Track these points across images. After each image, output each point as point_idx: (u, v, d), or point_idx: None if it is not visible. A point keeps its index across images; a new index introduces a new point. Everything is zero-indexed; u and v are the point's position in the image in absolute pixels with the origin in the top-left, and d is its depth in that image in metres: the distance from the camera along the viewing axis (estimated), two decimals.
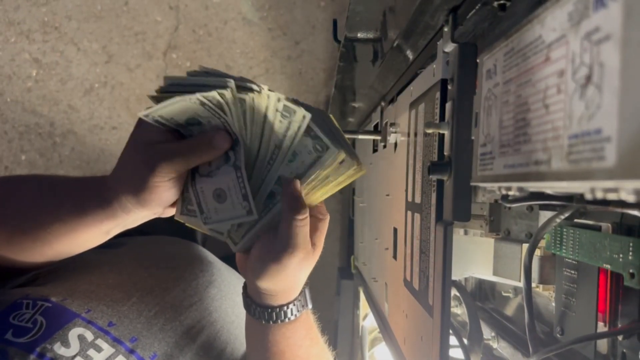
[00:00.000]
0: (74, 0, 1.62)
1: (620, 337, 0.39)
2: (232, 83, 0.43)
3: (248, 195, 0.47)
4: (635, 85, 0.19)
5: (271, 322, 0.50)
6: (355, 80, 0.86)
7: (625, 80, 0.20)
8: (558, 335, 0.47)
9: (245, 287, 0.53)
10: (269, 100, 0.45)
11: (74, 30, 1.63)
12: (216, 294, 0.64)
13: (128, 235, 0.61)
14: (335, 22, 0.91)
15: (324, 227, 0.49)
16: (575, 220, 0.44)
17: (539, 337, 0.49)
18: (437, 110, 0.46)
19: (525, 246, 0.48)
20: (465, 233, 0.62)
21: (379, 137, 0.71)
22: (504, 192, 0.33)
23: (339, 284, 1.40)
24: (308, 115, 0.45)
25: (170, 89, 0.45)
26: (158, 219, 0.52)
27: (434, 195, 0.46)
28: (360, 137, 0.72)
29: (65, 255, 0.54)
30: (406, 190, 0.59)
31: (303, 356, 0.53)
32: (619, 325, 0.40)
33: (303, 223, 0.46)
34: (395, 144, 0.67)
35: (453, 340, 0.47)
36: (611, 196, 0.21)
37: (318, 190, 0.48)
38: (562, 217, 0.42)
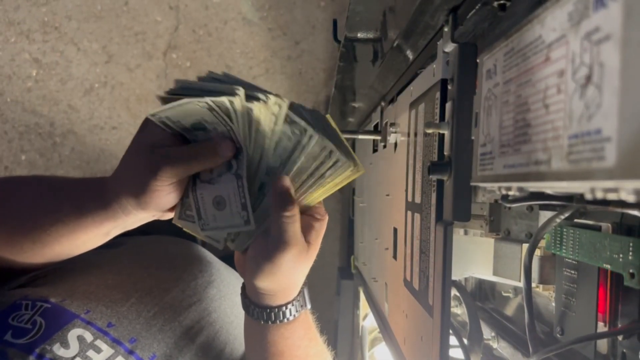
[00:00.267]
0: (74, 0, 1.62)
1: (620, 337, 0.39)
2: (241, 92, 0.43)
3: (247, 205, 0.47)
4: (635, 85, 0.19)
5: (270, 323, 0.50)
6: (355, 80, 0.86)
7: (625, 80, 0.20)
8: (558, 335, 0.47)
9: (243, 288, 0.53)
10: (275, 111, 0.45)
11: (74, 30, 1.63)
12: (215, 294, 0.64)
13: (128, 235, 0.61)
14: (335, 22, 0.91)
15: (321, 227, 0.49)
16: (575, 220, 0.44)
17: (539, 337, 0.49)
18: (437, 110, 0.46)
19: (525, 246, 0.48)
20: (465, 233, 0.62)
21: (379, 137, 0.71)
22: (504, 192, 0.33)
23: (339, 284, 1.40)
24: (315, 136, 0.45)
25: (180, 91, 0.45)
26: (158, 219, 0.52)
27: (434, 195, 0.46)
28: (360, 137, 0.72)
29: (64, 257, 0.54)
30: (406, 190, 0.59)
31: (302, 356, 0.53)
32: (619, 325, 0.40)
33: (291, 219, 0.46)
34: (395, 144, 0.67)
35: (453, 340, 0.47)
36: (611, 196, 0.21)
37: (315, 191, 0.48)
38: (562, 217, 0.42)
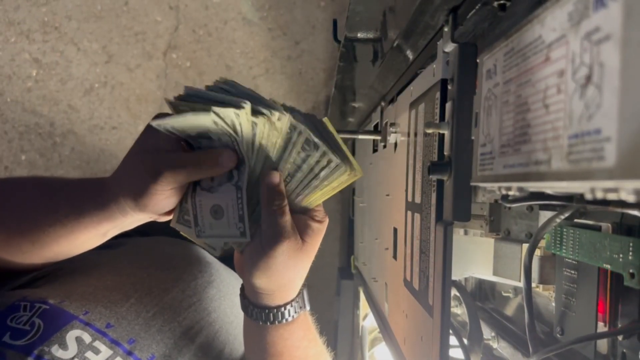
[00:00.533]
0: (74, 0, 1.62)
1: (620, 337, 0.39)
2: (248, 106, 0.44)
3: (245, 217, 0.47)
4: (635, 85, 0.19)
5: (268, 323, 0.50)
6: (355, 80, 0.86)
7: (625, 80, 0.20)
8: (558, 335, 0.47)
9: (242, 289, 0.53)
10: (279, 127, 0.45)
11: (74, 30, 1.63)
12: (215, 294, 0.64)
13: (126, 236, 0.61)
14: (335, 22, 0.91)
15: (320, 229, 0.49)
16: (575, 220, 0.44)
17: (539, 337, 0.49)
18: (437, 110, 0.46)
19: (525, 246, 0.48)
20: (465, 233, 0.62)
21: (379, 137, 0.71)
22: (504, 192, 0.33)
23: (339, 284, 1.40)
24: (321, 146, 0.45)
25: (188, 99, 0.46)
26: (155, 221, 0.52)
27: (434, 195, 0.46)
28: (360, 137, 0.72)
29: (63, 257, 0.54)
30: (406, 190, 0.59)
31: (301, 357, 0.53)
32: (619, 325, 0.40)
33: (280, 211, 0.46)
34: (395, 144, 0.67)
35: (453, 340, 0.47)
36: (611, 196, 0.21)
37: (313, 193, 0.48)
38: (562, 217, 0.42)
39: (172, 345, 0.55)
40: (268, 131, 0.45)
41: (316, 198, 0.49)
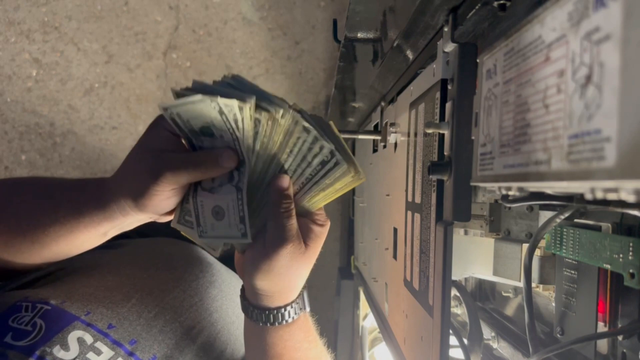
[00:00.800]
0: (74, 0, 1.62)
1: (620, 337, 0.39)
2: (252, 100, 0.44)
3: (245, 218, 0.47)
4: (635, 85, 0.19)
5: (268, 324, 0.50)
6: (355, 80, 0.86)
7: (625, 80, 0.20)
8: (558, 335, 0.47)
9: (242, 290, 0.53)
10: (284, 124, 0.45)
11: (74, 30, 1.63)
12: (217, 295, 0.64)
13: (127, 237, 0.61)
14: (335, 22, 0.91)
15: (322, 233, 0.49)
16: (575, 220, 0.44)
17: (539, 337, 0.49)
18: (437, 110, 0.46)
19: (525, 246, 0.48)
20: (465, 233, 0.62)
21: (379, 137, 0.71)
22: (504, 192, 0.33)
23: (339, 284, 1.40)
24: (328, 147, 0.45)
25: (195, 90, 0.45)
26: (156, 221, 0.52)
27: (434, 195, 0.46)
28: (360, 137, 0.72)
29: (62, 257, 0.54)
30: (406, 190, 0.59)
31: (301, 359, 0.53)
32: (619, 325, 0.40)
33: (287, 214, 0.46)
34: (395, 144, 0.67)
35: (453, 340, 0.47)
36: (611, 196, 0.21)
37: (316, 194, 0.48)
38: (562, 217, 0.42)
39: (173, 345, 0.55)
40: (271, 128, 0.45)
41: (319, 200, 0.49)
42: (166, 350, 0.54)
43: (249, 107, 0.44)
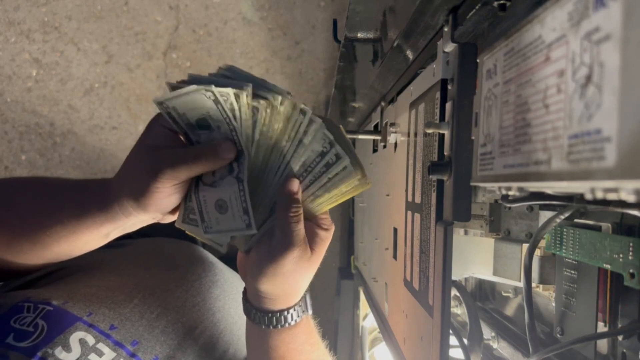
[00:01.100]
0: (74, 0, 1.62)
1: (620, 337, 0.39)
2: (249, 88, 0.43)
3: (248, 209, 0.47)
4: (635, 85, 0.19)
5: (271, 327, 0.50)
6: (355, 80, 0.86)
7: (625, 80, 0.20)
8: (558, 335, 0.47)
9: (245, 292, 0.52)
10: (284, 111, 0.45)
11: (74, 30, 1.63)
12: (219, 294, 0.64)
13: (128, 237, 0.61)
14: (335, 22, 0.91)
15: (327, 237, 0.49)
16: (575, 220, 0.44)
17: (539, 337, 0.49)
18: (437, 110, 0.46)
19: (525, 246, 0.48)
20: (465, 233, 0.62)
21: (379, 137, 0.71)
22: (504, 192, 0.33)
23: (339, 284, 1.40)
24: (322, 132, 0.45)
25: (191, 82, 0.45)
26: (158, 222, 0.52)
27: (434, 195, 0.46)
28: (360, 137, 0.72)
29: (64, 258, 0.54)
30: (406, 190, 0.59)
31: None
32: (619, 325, 0.40)
33: (296, 219, 0.46)
34: (395, 144, 0.67)
35: (453, 340, 0.47)
36: (611, 196, 0.21)
37: (321, 197, 0.48)
38: (562, 217, 0.42)
39: (175, 346, 0.55)
40: (270, 116, 0.45)
41: (324, 203, 0.48)
42: (168, 351, 0.54)
43: (245, 95, 0.43)
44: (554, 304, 0.49)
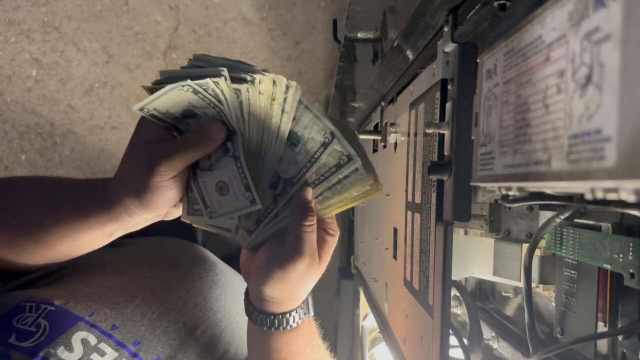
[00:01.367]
0: (74, 0, 1.62)
1: (620, 337, 0.39)
2: (225, 72, 0.43)
3: (250, 185, 0.47)
4: (635, 85, 0.19)
5: (273, 329, 0.50)
6: (355, 80, 0.85)
7: (625, 80, 0.20)
8: (558, 335, 0.47)
9: (246, 293, 0.52)
10: (265, 89, 0.44)
11: (74, 30, 1.63)
12: (220, 294, 0.64)
13: (130, 237, 0.61)
14: (335, 22, 0.91)
15: (333, 242, 0.49)
16: (575, 220, 0.44)
17: (539, 337, 0.49)
18: (437, 110, 0.46)
19: (525, 246, 0.48)
20: (465, 233, 0.62)
21: (379, 137, 0.71)
22: (504, 192, 0.33)
23: (339, 284, 1.40)
24: (298, 94, 0.44)
25: (165, 81, 0.45)
26: (161, 220, 0.52)
27: (434, 195, 0.46)
28: (361, 137, 0.72)
29: (66, 258, 0.54)
30: (406, 190, 0.59)
31: None
32: (619, 325, 0.40)
33: (309, 229, 0.46)
34: (395, 144, 0.67)
35: (453, 340, 0.47)
36: (611, 196, 0.21)
37: (331, 200, 0.48)
38: (562, 217, 0.42)
39: (177, 346, 0.55)
40: (253, 96, 0.45)
41: (333, 204, 0.48)
42: (170, 350, 0.54)
43: (223, 79, 0.43)
44: (554, 304, 0.49)
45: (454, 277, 0.54)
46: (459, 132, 0.41)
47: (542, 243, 0.48)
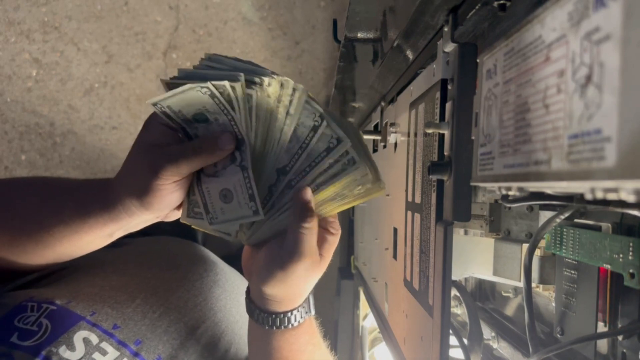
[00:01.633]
0: (74, 0, 1.62)
1: (620, 337, 0.39)
2: (242, 78, 0.43)
3: (255, 195, 0.47)
4: (635, 85, 0.19)
5: (274, 328, 0.50)
6: (355, 80, 0.85)
7: (625, 80, 0.20)
8: (558, 335, 0.47)
9: (248, 292, 0.52)
10: (273, 91, 0.44)
11: (74, 30, 1.63)
12: (221, 294, 0.64)
13: (130, 237, 0.61)
14: (335, 22, 0.91)
15: (335, 241, 0.49)
16: (575, 220, 0.44)
17: (539, 337, 0.49)
18: (437, 110, 0.46)
19: (525, 246, 0.48)
20: (465, 233, 0.62)
21: (379, 137, 0.71)
22: (504, 192, 0.33)
23: (339, 284, 1.40)
24: (304, 97, 0.44)
25: (183, 78, 0.45)
26: (161, 221, 0.52)
27: (434, 195, 0.46)
28: None
29: (66, 258, 0.54)
30: (406, 190, 0.59)
31: None
32: (619, 325, 0.40)
33: (310, 231, 0.46)
34: (395, 144, 0.67)
35: (453, 340, 0.47)
36: (611, 196, 0.21)
37: (326, 191, 0.47)
38: (562, 217, 0.42)
39: (178, 345, 0.55)
40: (261, 99, 0.44)
41: (334, 207, 0.48)
42: (171, 350, 0.54)
43: (240, 85, 0.43)
44: (554, 304, 0.49)
45: (454, 277, 0.54)
46: (459, 132, 0.41)
47: (542, 243, 0.48)
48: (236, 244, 0.53)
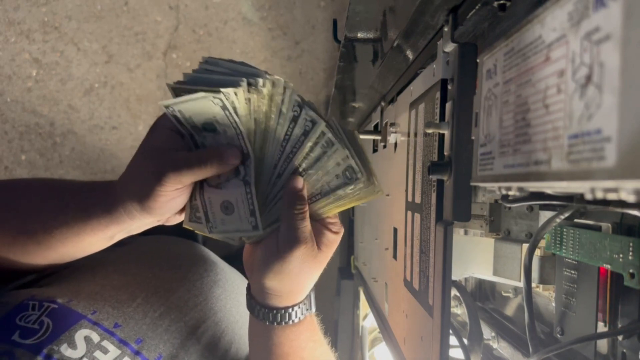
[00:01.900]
0: (74, 0, 1.62)
1: (620, 337, 0.39)
2: (244, 83, 0.43)
3: (255, 211, 0.47)
4: (635, 85, 0.19)
5: (275, 324, 0.50)
6: (355, 80, 0.85)
7: (625, 80, 0.20)
8: (558, 335, 0.47)
9: (248, 288, 0.52)
10: (267, 91, 0.44)
11: (74, 30, 1.63)
12: (221, 294, 0.64)
13: (130, 236, 0.61)
14: (335, 22, 0.91)
15: (335, 239, 0.49)
16: (575, 220, 0.44)
17: (539, 337, 0.49)
18: (437, 110, 0.46)
19: (525, 246, 0.48)
20: (465, 233, 0.62)
21: (379, 137, 0.71)
22: (504, 192, 0.33)
23: (339, 284, 1.40)
24: (294, 96, 0.44)
25: (190, 83, 0.45)
26: (163, 224, 0.52)
27: (434, 195, 0.46)
28: (361, 137, 0.72)
29: (68, 259, 0.54)
30: (406, 190, 0.59)
31: (307, 358, 0.53)
32: (619, 325, 0.40)
33: (300, 216, 0.46)
34: (395, 144, 0.67)
35: (453, 340, 0.47)
36: (611, 196, 0.21)
37: (328, 198, 0.48)
38: (562, 217, 0.42)
39: (178, 345, 0.55)
40: (258, 101, 0.45)
41: (330, 206, 0.48)
42: (171, 349, 0.54)
43: (242, 90, 0.43)
44: (554, 304, 0.49)
45: (454, 277, 0.54)
46: (459, 132, 0.41)
47: (542, 243, 0.48)
48: (236, 244, 0.53)
